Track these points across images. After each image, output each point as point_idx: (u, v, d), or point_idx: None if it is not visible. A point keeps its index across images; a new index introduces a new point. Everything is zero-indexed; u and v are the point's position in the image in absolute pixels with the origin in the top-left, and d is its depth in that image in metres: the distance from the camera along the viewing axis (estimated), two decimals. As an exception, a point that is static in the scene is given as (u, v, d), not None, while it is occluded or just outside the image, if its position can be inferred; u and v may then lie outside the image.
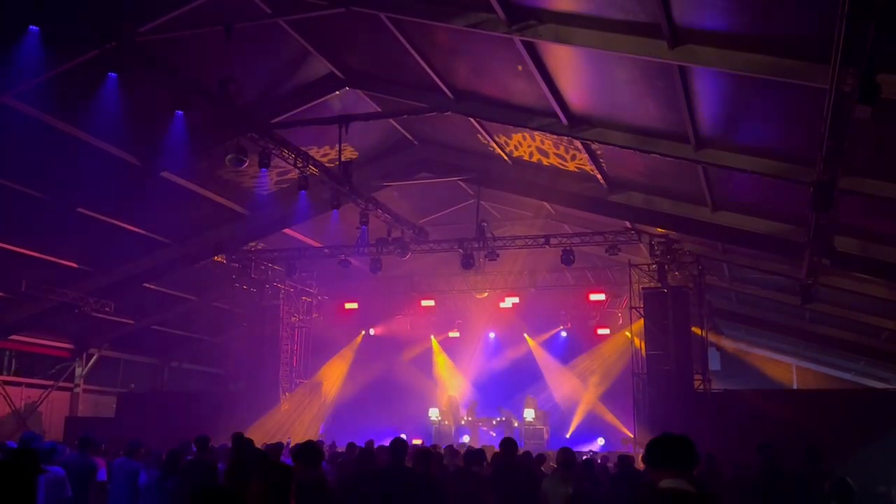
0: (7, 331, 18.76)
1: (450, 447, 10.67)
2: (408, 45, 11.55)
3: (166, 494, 8.42)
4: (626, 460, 9.75)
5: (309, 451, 6.02)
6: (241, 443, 9.21)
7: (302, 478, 5.68)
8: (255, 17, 11.14)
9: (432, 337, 25.97)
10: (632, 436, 17.68)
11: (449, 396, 23.38)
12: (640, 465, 11.27)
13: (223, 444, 11.16)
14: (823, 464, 7.66)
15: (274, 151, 12.96)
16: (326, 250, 20.07)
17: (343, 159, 14.29)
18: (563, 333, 24.59)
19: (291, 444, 12.43)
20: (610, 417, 22.35)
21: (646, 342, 17.53)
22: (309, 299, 22.09)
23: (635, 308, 18.18)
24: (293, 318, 21.22)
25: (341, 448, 12.84)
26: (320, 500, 5.64)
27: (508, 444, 8.19)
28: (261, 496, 4.93)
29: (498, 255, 18.04)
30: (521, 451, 10.20)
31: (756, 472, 8.27)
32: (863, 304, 17.02)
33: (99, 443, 10.23)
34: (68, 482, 8.07)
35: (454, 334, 25.58)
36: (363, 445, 11.09)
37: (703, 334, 18.33)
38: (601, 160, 13.62)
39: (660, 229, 16.77)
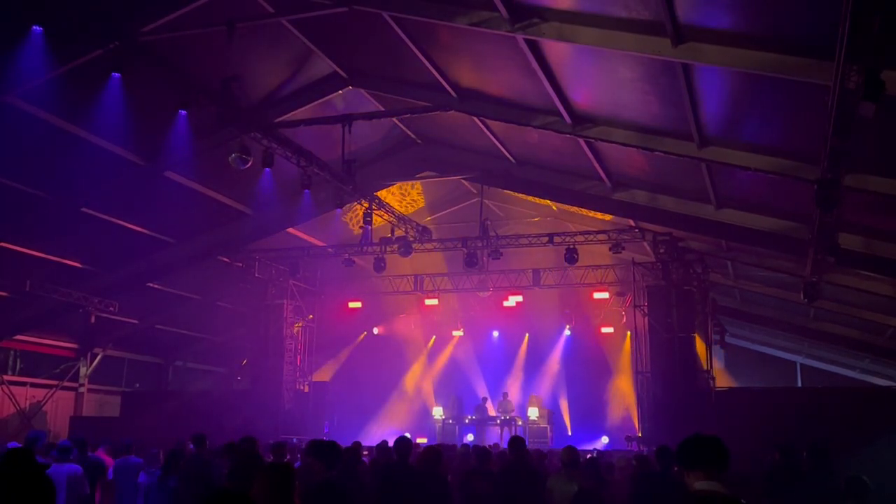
0: (12, 331, 18.79)
1: (464, 446, 10.66)
2: (411, 44, 11.55)
3: (168, 493, 8.43)
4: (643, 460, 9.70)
5: (326, 450, 5.92)
6: (245, 443, 9.19)
7: (317, 478, 5.63)
8: (257, 16, 11.15)
9: (433, 337, 25.97)
10: (640, 434, 17.63)
11: (452, 395, 23.39)
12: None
13: (225, 442, 11.13)
14: (829, 461, 7.64)
15: (277, 151, 12.97)
16: (330, 249, 20.08)
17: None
18: (567, 332, 24.58)
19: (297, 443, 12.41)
20: (614, 416, 22.35)
21: (650, 340, 17.50)
22: (313, 298, 22.10)
23: (639, 306, 18.15)
24: (297, 318, 21.22)
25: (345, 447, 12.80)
26: (334, 500, 5.60)
27: (517, 442, 8.17)
28: (263, 496, 4.91)
29: (501, 254, 18.03)
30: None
31: (769, 471, 8.25)
32: (867, 302, 16.98)
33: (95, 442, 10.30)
34: (86, 481, 8.15)
35: (458, 333, 25.59)
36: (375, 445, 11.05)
37: (708, 332, 18.29)
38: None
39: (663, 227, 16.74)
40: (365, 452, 11.23)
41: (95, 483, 8.98)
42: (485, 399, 22.10)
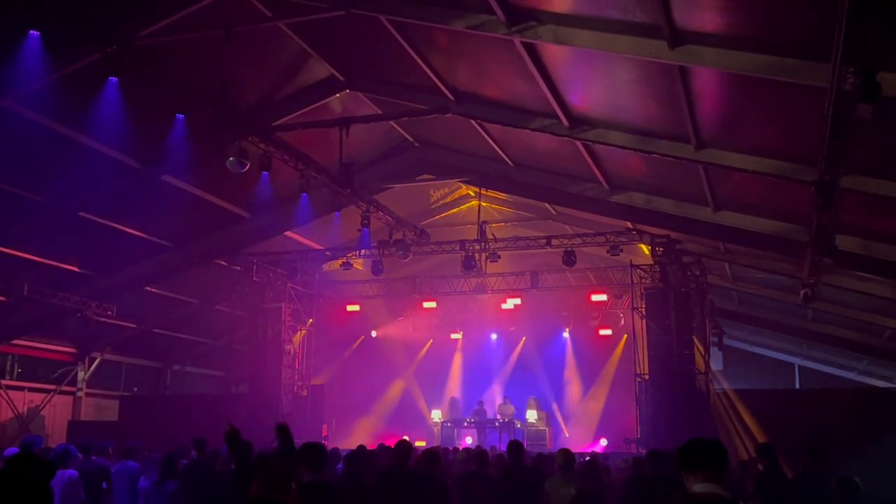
0: (9, 335, 18.77)
1: (456, 449, 10.65)
2: (408, 48, 11.56)
3: (165, 498, 8.41)
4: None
5: (312, 452, 5.97)
6: (240, 445, 9.16)
7: (305, 480, 5.65)
8: (255, 20, 11.15)
9: (431, 339, 25.94)
10: (638, 436, 17.64)
11: (451, 398, 23.37)
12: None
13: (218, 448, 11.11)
14: (828, 464, 7.64)
15: (275, 154, 12.97)
16: (328, 252, 20.07)
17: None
18: (566, 334, 24.58)
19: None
20: (612, 418, 22.33)
21: (648, 343, 17.51)
22: (311, 302, 22.11)
23: (637, 308, 18.16)
24: (295, 321, 21.21)
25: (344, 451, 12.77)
26: (324, 502, 5.63)
27: (515, 446, 8.17)
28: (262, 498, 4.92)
29: (499, 257, 18.02)
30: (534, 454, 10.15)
31: (759, 472, 8.25)
32: (865, 303, 17.01)
33: (105, 446, 10.24)
34: (82, 486, 8.11)
35: (456, 336, 25.58)
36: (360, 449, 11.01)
37: (706, 334, 18.29)
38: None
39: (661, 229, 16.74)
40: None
41: (98, 488, 8.93)
42: (481, 403, 22.11)
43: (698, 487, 3.62)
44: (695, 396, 16.68)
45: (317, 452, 6.00)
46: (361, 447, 11.16)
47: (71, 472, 8.01)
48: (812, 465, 7.64)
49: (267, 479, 4.68)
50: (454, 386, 24.85)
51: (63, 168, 13.44)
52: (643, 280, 18.35)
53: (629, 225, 17.19)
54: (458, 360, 25.65)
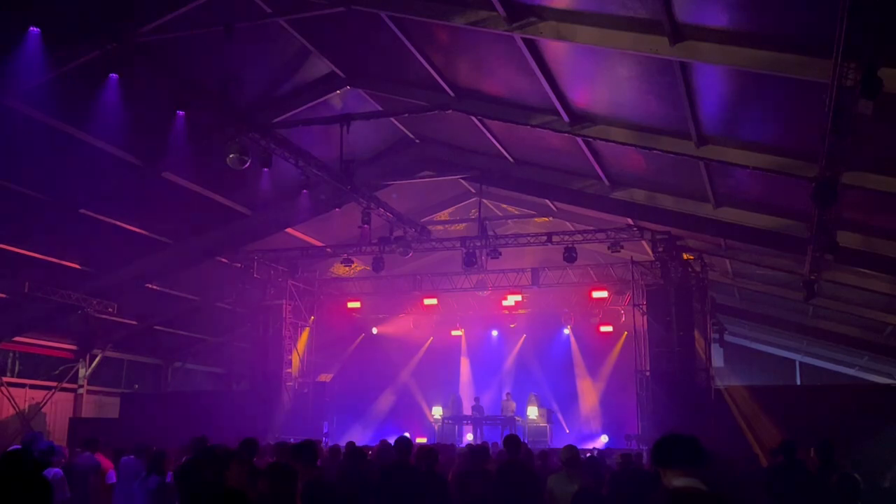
0: (10, 332, 18.77)
1: (468, 447, 10.63)
2: (408, 44, 11.55)
3: (147, 493, 8.37)
4: (628, 458, 9.77)
5: (306, 449, 6.03)
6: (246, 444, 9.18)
7: (303, 477, 5.69)
8: (255, 16, 11.13)
9: (432, 337, 25.96)
10: (639, 432, 17.65)
11: (452, 394, 23.40)
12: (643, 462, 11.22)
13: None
14: (834, 462, 7.64)
15: (275, 151, 12.96)
16: (329, 249, 20.07)
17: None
18: (566, 331, 24.59)
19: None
20: (613, 415, 22.35)
21: (649, 339, 17.51)
22: (311, 299, 22.11)
23: (638, 305, 18.16)
24: (296, 318, 21.23)
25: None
26: (322, 497, 5.65)
27: (512, 441, 8.17)
28: (267, 496, 4.95)
29: (500, 254, 18.02)
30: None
31: (773, 468, 8.27)
32: (866, 300, 16.99)
33: (98, 441, 10.26)
34: (67, 483, 8.13)
35: (457, 333, 25.59)
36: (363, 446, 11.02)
37: (707, 331, 18.29)
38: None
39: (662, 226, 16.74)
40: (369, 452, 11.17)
41: (87, 485, 8.93)
42: (477, 399, 22.15)
43: (679, 482, 3.62)
44: (695, 393, 16.69)
45: (311, 450, 6.06)
46: (351, 443, 11.14)
47: (55, 471, 8.02)
48: (818, 463, 7.66)
49: (274, 477, 4.71)
50: (455, 383, 24.88)
51: (64, 165, 13.44)
52: (644, 276, 18.35)
53: (630, 221, 17.18)
54: (458, 357, 25.68)
